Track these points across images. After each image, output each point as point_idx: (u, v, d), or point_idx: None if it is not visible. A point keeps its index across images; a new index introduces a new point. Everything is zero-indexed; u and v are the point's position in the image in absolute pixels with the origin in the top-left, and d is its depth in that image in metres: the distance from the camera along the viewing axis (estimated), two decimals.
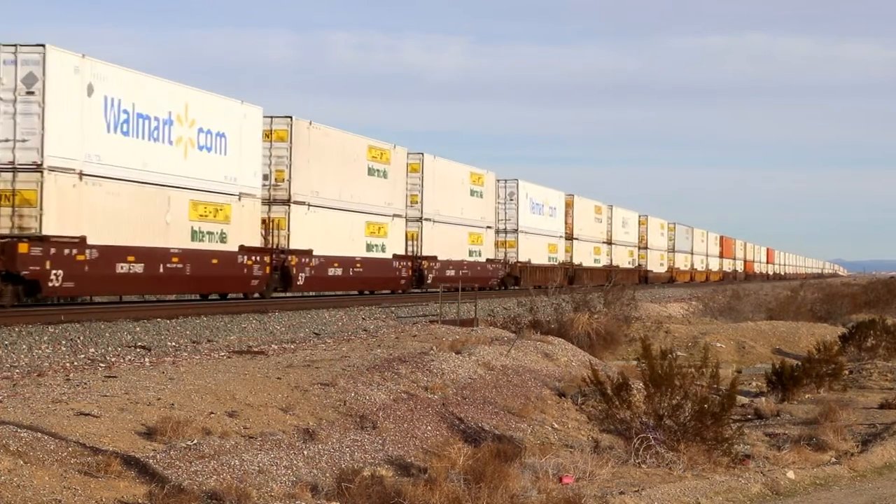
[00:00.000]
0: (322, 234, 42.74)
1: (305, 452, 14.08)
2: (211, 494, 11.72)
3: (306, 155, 41.78)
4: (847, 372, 28.84)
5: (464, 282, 46.24)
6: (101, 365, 18.15)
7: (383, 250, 48.38)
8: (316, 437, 14.71)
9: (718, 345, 36.03)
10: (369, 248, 47.24)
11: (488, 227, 61.44)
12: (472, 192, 58.94)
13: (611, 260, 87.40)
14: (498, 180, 64.57)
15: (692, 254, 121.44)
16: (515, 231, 66.08)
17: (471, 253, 58.00)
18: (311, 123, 42.22)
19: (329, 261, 43.09)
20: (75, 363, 18.41)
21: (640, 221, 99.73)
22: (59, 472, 11.23)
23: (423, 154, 53.62)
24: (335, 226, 44.03)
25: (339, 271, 44.16)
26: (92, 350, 20.40)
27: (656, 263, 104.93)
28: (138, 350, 20.87)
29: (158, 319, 27.66)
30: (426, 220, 53.62)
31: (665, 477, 15.68)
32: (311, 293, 45.82)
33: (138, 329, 24.81)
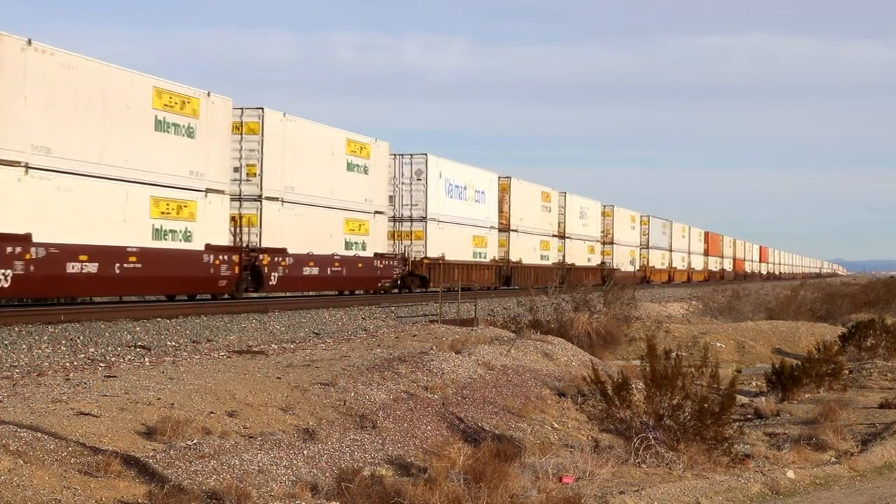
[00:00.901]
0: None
1: (305, 452, 14.08)
2: (211, 494, 11.72)
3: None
4: (847, 371, 28.84)
5: (328, 284, 44.24)
6: (101, 365, 18.15)
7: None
8: (316, 436, 14.70)
9: (718, 344, 36.02)
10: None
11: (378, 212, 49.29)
12: (351, 166, 47.13)
13: (563, 256, 77.08)
14: (398, 155, 53.88)
15: (671, 251, 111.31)
16: (423, 219, 54.60)
17: (349, 245, 46.60)
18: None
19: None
20: (75, 363, 18.41)
21: (604, 213, 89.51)
22: (59, 471, 11.22)
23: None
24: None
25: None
26: (92, 350, 20.40)
27: (625, 261, 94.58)
28: (138, 350, 20.87)
29: (158, 319, 27.66)
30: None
31: (665, 476, 15.67)
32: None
33: (138, 329, 24.81)
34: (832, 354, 27.66)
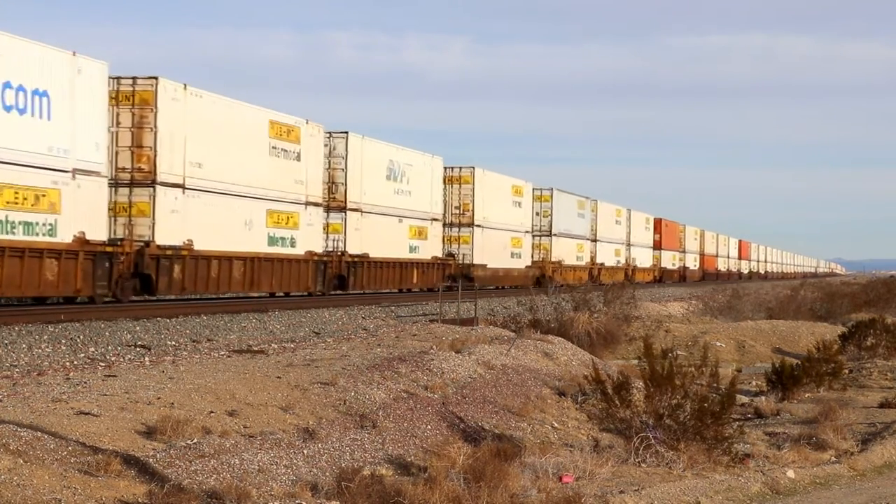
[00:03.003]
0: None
1: (305, 451, 14.07)
2: (211, 493, 11.72)
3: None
4: (847, 371, 28.83)
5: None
6: (101, 364, 18.15)
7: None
8: (316, 436, 14.70)
9: (718, 344, 36.02)
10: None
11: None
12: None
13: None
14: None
15: (593, 240, 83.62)
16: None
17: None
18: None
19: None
20: (75, 362, 18.41)
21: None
22: (59, 471, 11.22)
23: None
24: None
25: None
26: (92, 349, 20.40)
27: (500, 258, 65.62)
28: (138, 349, 20.87)
29: (158, 319, 27.67)
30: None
31: (665, 476, 15.67)
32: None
33: (138, 328, 24.81)
34: (832, 354, 27.67)
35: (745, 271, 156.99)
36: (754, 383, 28.40)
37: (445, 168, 57.79)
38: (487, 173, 61.92)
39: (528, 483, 13.92)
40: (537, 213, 71.85)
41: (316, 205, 43.33)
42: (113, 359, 19.09)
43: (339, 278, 45.37)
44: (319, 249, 43.40)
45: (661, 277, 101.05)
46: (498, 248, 62.89)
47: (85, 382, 15.25)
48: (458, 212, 58.90)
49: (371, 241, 47.64)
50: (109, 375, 16.22)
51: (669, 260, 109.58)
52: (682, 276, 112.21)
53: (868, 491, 15.61)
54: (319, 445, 14.44)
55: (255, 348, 21.65)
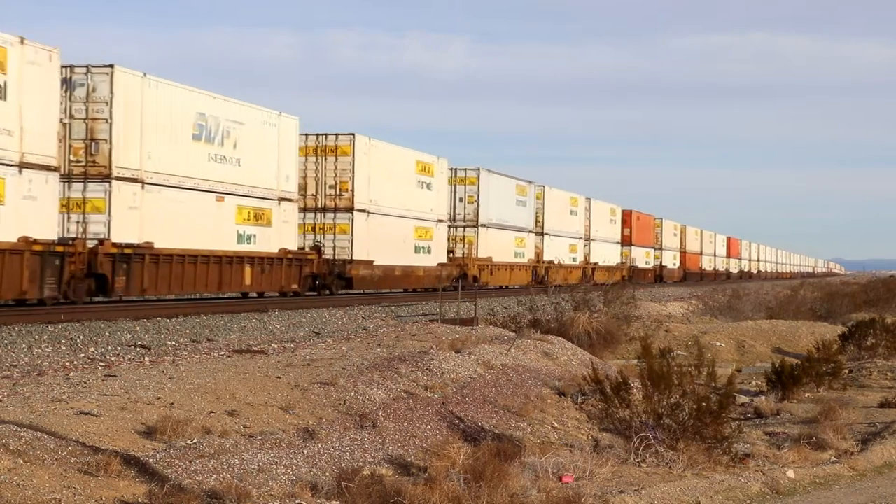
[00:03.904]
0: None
1: (305, 451, 14.07)
2: (211, 493, 11.72)
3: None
4: (847, 371, 28.84)
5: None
6: (101, 364, 18.16)
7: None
8: (316, 436, 14.70)
9: (718, 344, 36.02)
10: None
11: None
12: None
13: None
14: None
15: (539, 233, 72.84)
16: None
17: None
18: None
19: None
20: (75, 362, 18.42)
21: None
22: (59, 471, 11.22)
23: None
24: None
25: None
26: (92, 349, 20.40)
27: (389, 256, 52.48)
28: (138, 349, 20.88)
29: (158, 318, 27.68)
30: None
31: (665, 476, 15.67)
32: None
33: (138, 328, 24.81)
34: (832, 354, 27.69)
35: (735, 271, 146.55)
36: (754, 383, 28.40)
37: (312, 135, 45.96)
38: (378, 144, 49.18)
39: (528, 483, 13.92)
40: (460, 199, 60.18)
41: (38, 168, 28.71)
42: (113, 359, 19.10)
43: (94, 279, 31.37)
44: (46, 235, 29.08)
45: (631, 278, 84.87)
46: (393, 239, 49.78)
47: (85, 382, 15.26)
48: (332, 192, 46.08)
49: (160, 225, 34.03)
50: (109, 375, 16.22)
51: (642, 258, 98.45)
52: (657, 275, 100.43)
53: (868, 491, 15.61)
54: (319, 445, 14.44)
55: (255, 348, 21.65)
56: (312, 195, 46.02)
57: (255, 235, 39.47)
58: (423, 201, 53.61)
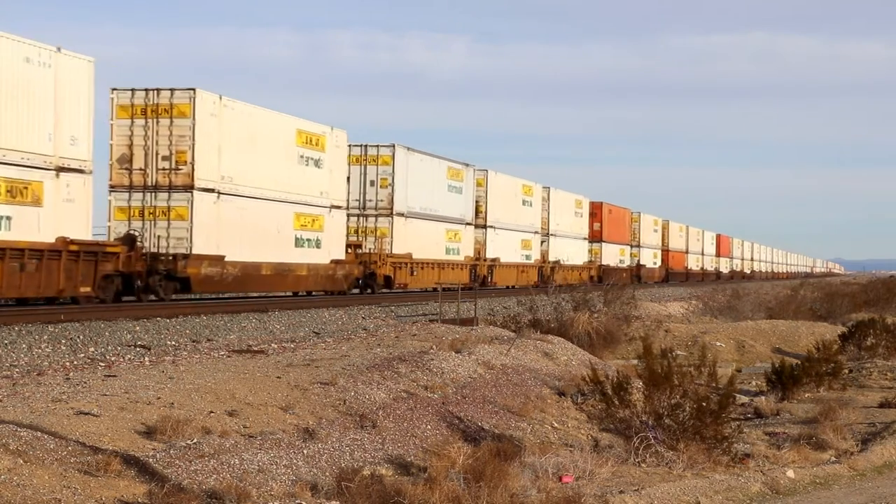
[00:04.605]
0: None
1: (305, 451, 14.07)
2: (211, 493, 11.72)
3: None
4: (847, 371, 28.84)
5: None
6: (101, 364, 18.15)
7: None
8: (316, 436, 14.70)
9: (718, 344, 36.01)
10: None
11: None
12: None
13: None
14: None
15: (482, 226, 62.03)
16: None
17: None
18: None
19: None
20: (75, 362, 18.41)
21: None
22: (59, 471, 11.22)
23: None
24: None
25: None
26: (92, 349, 20.39)
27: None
28: (138, 349, 20.87)
29: (158, 318, 27.67)
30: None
31: (665, 476, 15.67)
32: None
33: (138, 328, 24.81)
34: (832, 354, 27.68)
35: (726, 270, 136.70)
36: (754, 383, 28.39)
37: (140, 91, 35.96)
38: (234, 104, 38.17)
39: (528, 483, 13.92)
40: (371, 182, 49.65)
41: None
42: (113, 359, 19.09)
43: None
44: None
45: (602, 278, 74.06)
46: (260, 229, 39.21)
47: (85, 382, 15.25)
48: (167, 166, 35.63)
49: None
50: (109, 375, 16.22)
51: (614, 256, 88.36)
52: (634, 275, 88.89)
53: (868, 491, 15.61)
54: (319, 445, 14.44)
55: (255, 348, 21.64)
56: (140, 170, 35.54)
57: (8, 219, 28.45)
58: (310, 182, 42.15)
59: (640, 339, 25.77)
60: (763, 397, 24.61)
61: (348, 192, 47.19)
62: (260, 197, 39.05)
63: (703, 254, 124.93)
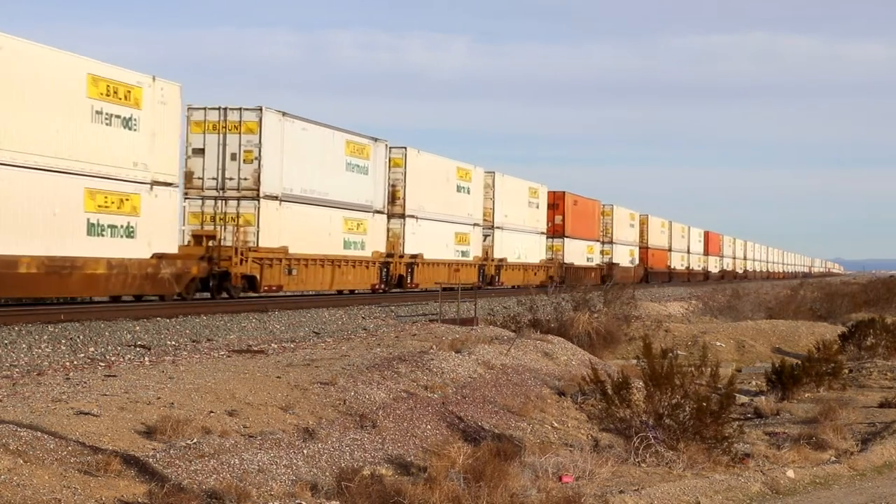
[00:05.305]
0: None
1: (305, 451, 14.07)
2: (211, 493, 11.71)
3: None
4: (847, 371, 28.83)
5: None
6: (101, 364, 18.15)
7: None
8: (316, 435, 14.70)
9: (718, 344, 36.01)
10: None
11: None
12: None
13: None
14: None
15: (401, 216, 51.22)
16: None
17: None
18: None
19: None
20: (75, 362, 18.41)
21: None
22: (59, 471, 11.22)
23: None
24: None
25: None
26: (92, 349, 20.39)
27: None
28: (138, 349, 20.86)
29: (158, 318, 27.66)
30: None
31: (665, 476, 15.67)
32: None
33: (138, 328, 24.80)
34: (832, 354, 27.68)
35: (715, 270, 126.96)
36: (754, 383, 28.39)
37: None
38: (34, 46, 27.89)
39: (528, 483, 13.92)
40: (233, 156, 38.89)
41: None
42: (113, 359, 19.09)
43: None
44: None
45: (563, 279, 60.86)
46: (21, 213, 27.43)
47: (85, 382, 15.25)
48: None
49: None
50: (109, 375, 16.22)
51: (580, 253, 78.19)
52: (605, 275, 75.01)
53: (868, 491, 15.61)
54: (319, 445, 14.44)
55: (255, 348, 21.64)
56: None
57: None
58: (113, 150, 30.92)
59: (641, 338, 25.76)
60: (763, 397, 24.61)
61: (188, 166, 38.44)
62: (22, 165, 27.39)
63: (688, 252, 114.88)
